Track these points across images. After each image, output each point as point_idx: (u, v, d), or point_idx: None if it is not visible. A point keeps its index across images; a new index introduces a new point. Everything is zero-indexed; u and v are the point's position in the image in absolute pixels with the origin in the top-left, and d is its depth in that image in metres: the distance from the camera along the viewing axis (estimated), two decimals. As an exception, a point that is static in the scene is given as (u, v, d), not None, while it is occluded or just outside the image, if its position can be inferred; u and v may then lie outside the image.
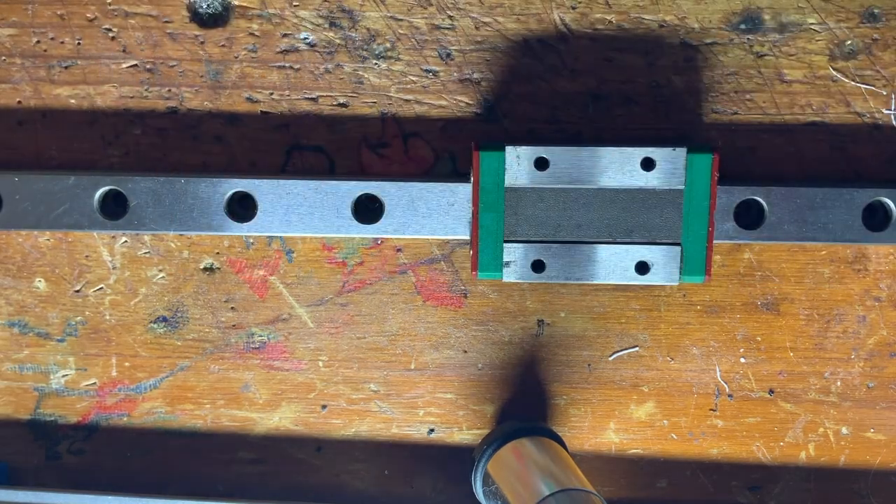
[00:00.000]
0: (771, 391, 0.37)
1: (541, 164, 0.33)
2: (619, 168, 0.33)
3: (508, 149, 0.33)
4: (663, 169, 0.33)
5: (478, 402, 0.38)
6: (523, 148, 0.33)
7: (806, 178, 0.36)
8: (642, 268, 0.34)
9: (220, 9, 0.35)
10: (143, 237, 0.37)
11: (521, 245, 0.34)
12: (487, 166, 0.33)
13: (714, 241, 0.34)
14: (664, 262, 0.34)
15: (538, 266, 0.34)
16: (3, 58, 0.36)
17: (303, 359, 0.38)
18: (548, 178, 0.33)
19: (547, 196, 0.34)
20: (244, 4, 0.35)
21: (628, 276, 0.34)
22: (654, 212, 0.33)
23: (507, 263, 0.34)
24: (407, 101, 0.35)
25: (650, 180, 0.33)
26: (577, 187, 0.33)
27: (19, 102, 0.36)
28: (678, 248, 0.34)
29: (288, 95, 0.36)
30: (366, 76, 0.35)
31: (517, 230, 0.34)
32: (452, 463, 0.38)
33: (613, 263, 0.34)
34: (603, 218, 0.34)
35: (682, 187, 0.33)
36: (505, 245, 0.34)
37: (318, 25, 0.35)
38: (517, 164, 0.33)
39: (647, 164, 0.33)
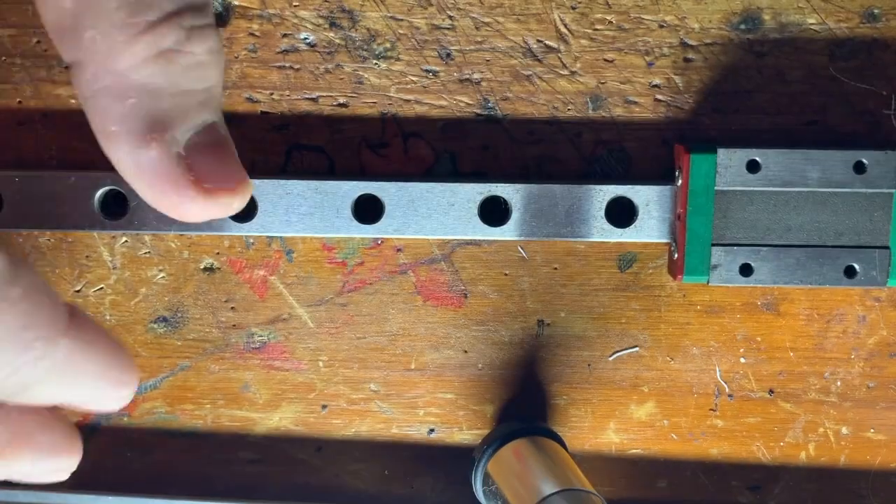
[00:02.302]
0: (771, 391, 0.37)
1: (753, 166, 0.33)
2: (830, 171, 0.33)
3: (721, 151, 0.33)
4: (874, 172, 0.33)
5: (478, 402, 0.38)
6: (735, 150, 0.33)
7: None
8: (850, 271, 0.34)
9: (220, 9, 0.35)
10: (144, 237, 0.37)
11: (729, 248, 0.34)
12: (698, 169, 0.33)
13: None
14: (871, 266, 0.34)
15: (746, 270, 0.34)
16: (4, 58, 0.36)
17: (303, 359, 0.38)
18: (759, 180, 0.33)
19: (757, 199, 0.34)
20: (244, 4, 0.35)
21: (837, 279, 0.34)
22: (863, 215, 0.34)
23: (715, 267, 0.34)
24: (407, 101, 0.35)
25: (860, 183, 0.33)
26: (788, 190, 0.33)
27: (20, 102, 0.36)
28: (887, 252, 0.34)
29: (288, 95, 0.36)
30: (366, 76, 0.35)
31: (725, 233, 0.34)
32: (452, 463, 0.38)
33: (822, 267, 0.34)
34: (813, 221, 0.34)
35: (892, 191, 0.33)
36: (713, 248, 0.34)
37: (318, 25, 0.35)
38: (728, 166, 0.33)
39: (859, 168, 0.33)
